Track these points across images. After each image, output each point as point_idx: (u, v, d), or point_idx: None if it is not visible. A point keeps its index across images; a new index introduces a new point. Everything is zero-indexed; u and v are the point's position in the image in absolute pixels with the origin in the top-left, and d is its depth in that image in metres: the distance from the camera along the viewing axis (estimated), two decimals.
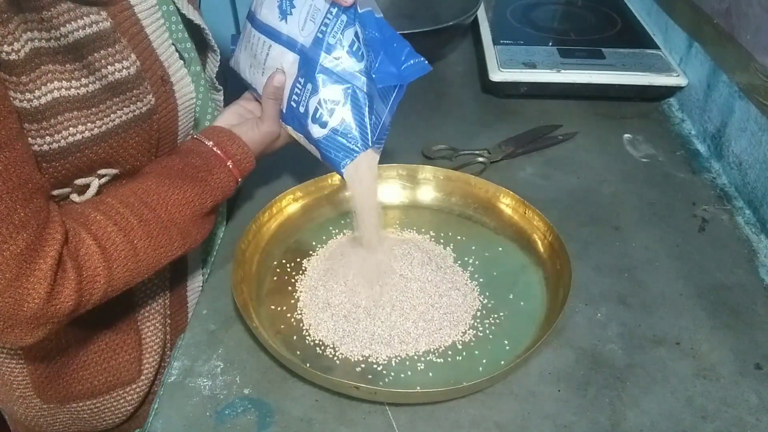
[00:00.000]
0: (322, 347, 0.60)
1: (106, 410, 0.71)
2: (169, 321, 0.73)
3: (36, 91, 0.50)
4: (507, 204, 0.74)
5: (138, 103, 0.57)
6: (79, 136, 0.53)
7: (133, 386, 0.71)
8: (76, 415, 0.71)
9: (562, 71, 0.96)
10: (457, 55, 1.15)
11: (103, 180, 0.58)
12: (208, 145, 0.64)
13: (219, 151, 0.64)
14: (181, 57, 0.66)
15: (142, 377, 0.71)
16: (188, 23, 0.67)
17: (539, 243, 0.70)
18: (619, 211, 0.78)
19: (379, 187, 0.77)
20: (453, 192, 0.78)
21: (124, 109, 0.56)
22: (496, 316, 0.64)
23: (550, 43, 1.04)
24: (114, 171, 0.59)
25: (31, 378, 0.67)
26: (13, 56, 0.47)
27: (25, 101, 0.49)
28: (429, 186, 0.79)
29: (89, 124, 0.54)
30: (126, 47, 0.55)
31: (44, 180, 0.53)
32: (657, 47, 1.03)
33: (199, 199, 0.61)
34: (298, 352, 0.60)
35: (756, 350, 0.61)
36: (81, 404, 0.70)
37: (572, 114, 0.97)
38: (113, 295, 0.56)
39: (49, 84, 0.50)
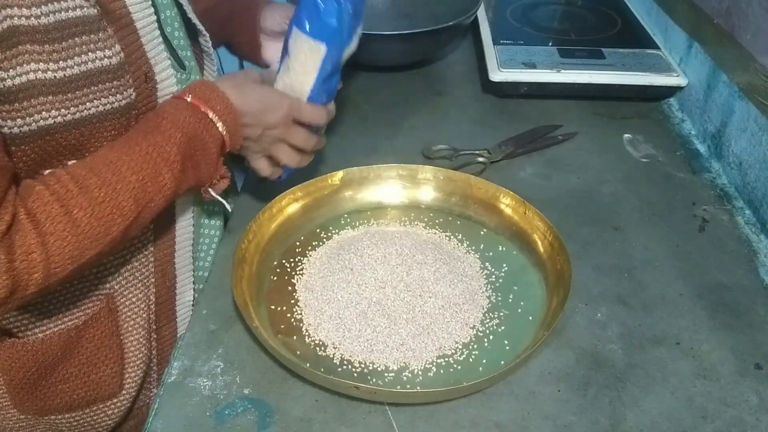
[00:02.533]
0: (323, 347, 0.60)
1: (85, 424, 0.70)
2: (155, 336, 0.71)
3: (11, 70, 0.48)
4: (507, 204, 0.74)
5: (117, 95, 0.56)
6: (51, 121, 0.52)
7: (114, 401, 0.69)
8: (54, 428, 0.69)
9: (562, 71, 0.96)
10: (457, 55, 1.15)
11: None
12: (174, 94, 0.60)
13: (179, 94, 0.60)
14: (182, 65, 0.65)
15: (124, 392, 0.69)
16: (187, 30, 0.66)
17: (539, 243, 0.69)
18: (619, 211, 0.78)
19: (379, 188, 0.78)
20: (453, 192, 0.77)
21: (102, 99, 0.55)
22: (496, 316, 0.63)
23: (550, 43, 1.04)
24: None
25: (8, 388, 0.65)
26: None
27: None
28: (429, 186, 0.78)
29: (63, 110, 0.52)
30: (111, 37, 0.54)
31: (9, 163, 0.51)
32: (657, 47, 1.03)
33: (155, 148, 0.55)
34: (298, 352, 0.60)
35: (756, 350, 0.61)
36: (60, 417, 0.68)
37: (572, 114, 0.97)
38: (63, 275, 0.52)
39: (25, 65, 0.49)
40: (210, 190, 0.64)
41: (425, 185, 0.79)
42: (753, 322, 0.64)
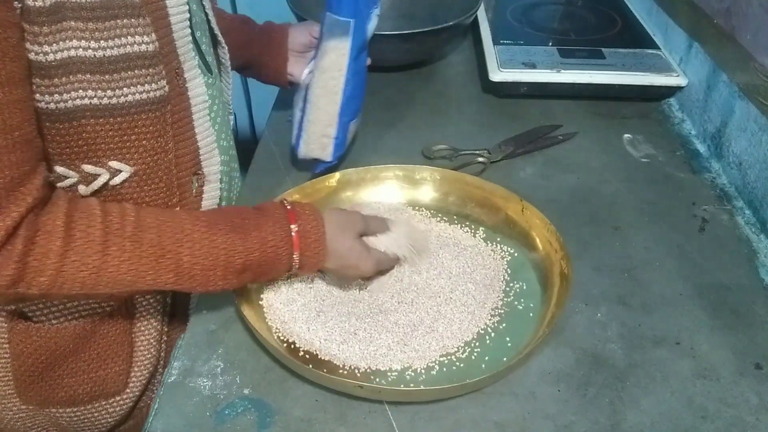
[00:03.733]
0: (322, 348, 0.60)
1: (86, 420, 0.70)
2: (165, 338, 0.71)
3: (53, 44, 0.49)
4: (505, 203, 0.74)
5: (153, 84, 0.56)
6: (87, 101, 0.53)
7: (117, 399, 0.69)
8: (53, 421, 0.69)
9: (562, 71, 0.96)
10: (457, 55, 1.15)
11: (115, 180, 0.57)
12: (283, 204, 0.60)
13: (288, 211, 0.59)
14: (209, 69, 0.66)
15: (128, 390, 0.69)
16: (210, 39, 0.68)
17: (538, 241, 0.69)
18: (619, 211, 0.78)
19: (377, 188, 0.78)
20: (450, 192, 0.77)
21: (138, 86, 0.55)
22: (497, 314, 0.64)
23: (550, 43, 1.04)
24: (126, 167, 0.57)
25: (15, 375, 0.66)
26: (39, 3, 0.47)
27: (41, 54, 0.49)
28: (427, 186, 0.78)
29: (99, 92, 0.53)
30: (149, 25, 0.55)
31: (38, 139, 0.51)
32: (657, 47, 1.03)
33: (227, 250, 0.55)
34: (301, 353, 0.60)
35: (756, 350, 0.61)
36: (61, 410, 0.68)
37: (572, 114, 0.97)
38: (68, 293, 0.51)
39: (67, 41, 0.50)
40: None
41: (423, 185, 0.78)
42: (753, 322, 0.64)
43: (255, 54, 0.87)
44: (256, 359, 0.60)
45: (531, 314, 0.64)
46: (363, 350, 0.59)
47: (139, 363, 0.69)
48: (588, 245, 0.73)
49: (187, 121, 0.63)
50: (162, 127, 0.59)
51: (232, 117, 0.76)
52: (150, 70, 0.55)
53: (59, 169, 0.55)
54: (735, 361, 0.60)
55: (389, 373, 0.58)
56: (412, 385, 0.57)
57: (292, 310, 0.63)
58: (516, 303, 0.65)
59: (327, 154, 0.78)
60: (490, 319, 0.63)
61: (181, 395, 0.57)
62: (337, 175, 0.77)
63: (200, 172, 0.66)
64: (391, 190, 0.78)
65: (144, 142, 0.58)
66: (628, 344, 0.61)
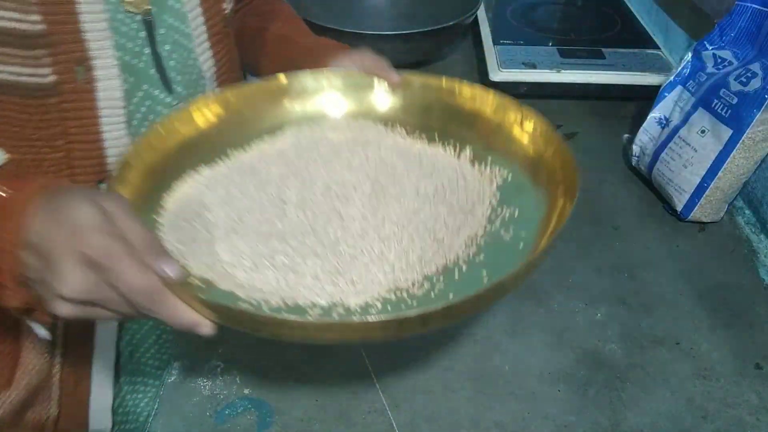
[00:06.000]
0: (223, 275, 0.46)
1: None
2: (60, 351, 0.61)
3: None
4: (500, 114, 0.60)
5: (26, 69, 0.50)
6: None
7: None
8: None
9: (562, 71, 0.96)
10: (457, 55, 1.15)
11: None
12: None
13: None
14: (168, 88, 0.59)
15: (11, 392, 0.60)
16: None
17: (541, 161, 0.55)
18: (619, 211, 0.78)
19: (323, 97, 0.64)
20: (430, 103, 0.63)
21: (7, 66, 0.50)
22: (473, 243, 0.50)
23: (550, 43, 1.04)
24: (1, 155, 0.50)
25: None
26: None
27: None
28: (400, 96, 0.64)
29: None
30: (32, 4, 0.48)
31: None
32: (657, 47, 1.03)
33: None
34: (196, 283, 0.45)
35: (756, 350, 0.61)
36: None
37: (572, 114, 0.97)
38: None
39: None
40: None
41: (393, 95, 0.64)
42: (753, 322, 0.64)
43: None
44: (256, 359, 0.60)
45: (521, 244, 0.49)
46: (278, 279, 0.46)
47: (26, 362, 0.60)
48: (588, 245, 0.73)
49: (90, 123, 0.55)
50: (41, 119, 0.53)
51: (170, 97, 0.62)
52: (25, 51, 0.50)
53: None
54: (735, 361, 0.60)
55: (311, 310, 0.44)
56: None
57: (195, 228, 0.49)
58: (502, 232, 0.51)
59: None
60: (463, 250, 0.49)
61: (181, 395, 0.57)
62: (278, 77, 0.63)
63: (86, 60, 0.54)
64: (339, 100, 0.64)
65: (16, 129, 0.52)
66: (628, 344, 0.61)
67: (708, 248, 0.73)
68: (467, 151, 0.60)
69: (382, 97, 0.65)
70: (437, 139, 0.61)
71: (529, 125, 0.58)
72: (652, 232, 0.75)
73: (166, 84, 0.59)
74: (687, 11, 1.02)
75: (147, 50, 0.57)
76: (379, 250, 0.48)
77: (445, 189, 0.55)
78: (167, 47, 0.59)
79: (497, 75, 0.96)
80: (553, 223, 0.49)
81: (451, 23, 0.99)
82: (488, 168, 0.58)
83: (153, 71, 0.58)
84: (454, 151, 0.60)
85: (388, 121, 0.63)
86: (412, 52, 1.05)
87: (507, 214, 0.53)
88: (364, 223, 0.51)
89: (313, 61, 0.68)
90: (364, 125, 0.63)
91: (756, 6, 0.70)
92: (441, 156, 0.60)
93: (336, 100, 0.64)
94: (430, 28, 0.97)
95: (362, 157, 0.58)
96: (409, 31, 0.97)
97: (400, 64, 1.10)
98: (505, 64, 0.97)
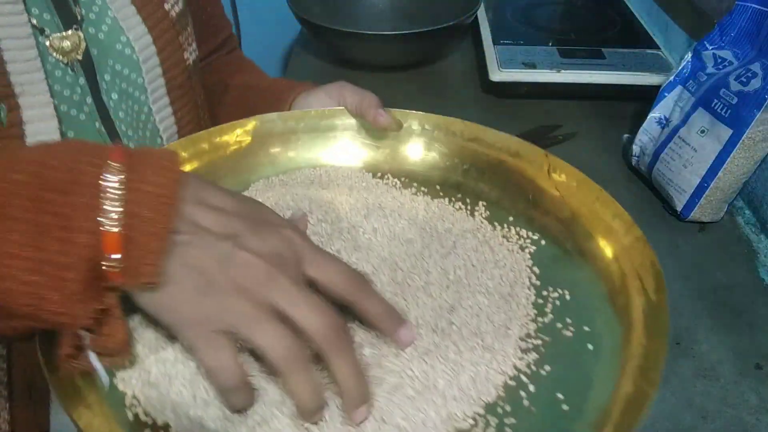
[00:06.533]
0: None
1: None
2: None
3: None
4: (520, 161, 0.50)
5: None
6: None
7: None
8: None
9: (562, 71, 0.96)
10: (457, 55, 1.15)
11: None
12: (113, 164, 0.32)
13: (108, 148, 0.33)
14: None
15: None
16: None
17: (582, 219, 0.46)
18: None
19: (318, 145, 0.54)
20: (431, 147, 0.54)
21: None
22: (531, 347, 0.39)
23: (550, 43, 1.04)
24: None
25: None
26: None
27: None
28: (395, 141, 0.54)
29: None
30: None
31: None
32: (657, 47, 1.03)
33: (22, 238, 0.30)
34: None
35: (756, 350, 0.61)
36: None
37: (572, 114, 0.97)
38: None
39: None
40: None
41: (388, 140, 0.53)
42: (753, 322, 0.64)
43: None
44: None
45: (590, 345, 0.39)
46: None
47: None
48: None
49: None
50: None
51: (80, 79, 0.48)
52: None
53: None
54: (735, 361, 0.60)
55: None
56: None
57: (163, 362, 0.35)
58: (558, 324, 0.40)
59: None
60: (521, 358, 0.38)
61: None
62: (251, 122, 0.51)
63: (9, 98, 0.42)
64: (341, 149, 0.54)
65: None
66: None
67: (708, 248, 0.73)
68: (481, 208, 0.49)
69: (365, 138, 0.54)
70: (440, 192, 0.51)
71: (560, 175, 0.47)
72: (652, 232, 0.75)
73: (115, 141, 0.49)
74: (687, 11, 1.02)
75: (89, 100, 0.47)
76: (421, 372, 0.35)
77: (475, 268, 0.43)
78: (114, 96, 0.49)
79: (497, 75, 0.96)
80: (638, 310, 0.38)
81: (451, 23, 0.99)
82: (512, 230, 0.47)
83: (98, 124, 0.48)
84: (465, 208, 0.49)
85: (375, 170, 0.52)
86: (412, 52, 1.05)
87: (555, 297, 0.42)
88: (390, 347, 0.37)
89: (276, 100, 0.58)
90: (352, 177, 0.51)
91: (756, 6, 0.70)
92: (453, 217, 0.48)
93: (311, 145, 0.53)
94: (430, 28, 0.97)
95: (368, 229, 0.46)
96: (409, 31, 0.97)
97: (400, 64, 1.09)
98: (505, 64, 0.97)
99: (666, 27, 1.08)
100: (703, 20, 0.95)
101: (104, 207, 0.30)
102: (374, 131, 0.54)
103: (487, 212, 0.49)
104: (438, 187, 0.51)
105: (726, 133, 0.69)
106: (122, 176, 0.31)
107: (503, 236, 0.47)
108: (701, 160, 0.71)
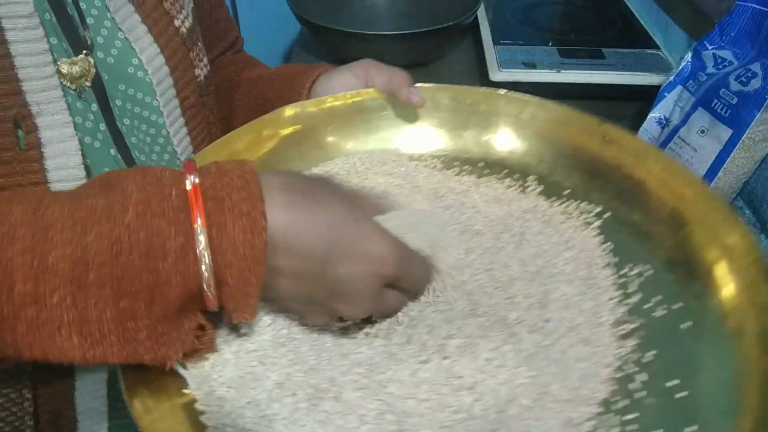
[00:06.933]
0: None
1: None
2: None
3: None
4: (569, 129, 0.46)
5: None
6: None
7: None
8: None
9: (562, 71, 0.96)
10: (457, 55, 1.15)
11: None
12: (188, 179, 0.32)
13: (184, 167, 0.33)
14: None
15: None
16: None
17: (648, 185, 0.40)
18: None
19: (352, 128, 0.50)
20: (468, 122, 0.47)
21: None
22: (629, 334, 0.35)
23: (550, 43, 1.04)
24: None
25: None
26: None
27: None
28: (429, 117, 0.48)
29: None
30: None
31: None
32: (657, 47, 1.03)
33: (73, 249, 0.29)
34: None
35: None
36: None
37: None
38: None
39: None
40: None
41: (423, 116, 0.49)
42: None
43: (265, 99, 0.58)
44: None
45: (688, 322, 0.34)
46: None
47: None
48: None
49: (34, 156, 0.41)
50: None
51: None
52: None
53: None
54: None
55: None
56: None
57: (221, 375, 0.35)
58: (647, 304, 0.36)
59: None
60: (621, 347, 0.34)
61: None
62: (288, 110, 0.48)
63: (26, 119, 0.40)
64: (371, 130, 0.50)
65: None
66: None
67: None
68: (532, 183, 0.44)
69: (405, 118, 0.50)
70: (484, 171, 0.46)
71: (614, 133, 0.42)
72: None
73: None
74: (687, 11, 1.02)
75: (103, 126, 0.45)
76: (530, 378, 0.32)
77: (548, 253, 0.39)
78: (127, 122, 0.47)
79: (497, 75, 0.96)
80: (726, 278, 0.32)
81: (451, 23, 0.99)
82: (571, 204, 0.42)
83: (114, 151, 0.46)
84: (516, 185, 0.44)
85: (414, 154, 0.48)
86: (412, 52, 1.05)
87: (634, 274, 0.36)
88: (476, 343, 0.33)
89: (292, 85, 0.55)
90: (388, 163, 0.46)
91: (756, 6, 0.70)
92: (507, 197, 0.43)
93: (348, 132, 0.49)
94: (430, 28, 0.98)
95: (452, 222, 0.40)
96: (409, 31, 0.97)
97: (400, 64, 1.09)
98: (505, 64, 0.97)
99: (666, 27, 1.08)
100: (703, 20, 0.95)
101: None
102: (405, 111, 0.50)
103: (541, 186, 0.44)
104: (481, 163, 0.47)
105: (726, 133, 0.68)
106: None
107: (563, 213, 0.42)
108: (701, 160, 0.71)
